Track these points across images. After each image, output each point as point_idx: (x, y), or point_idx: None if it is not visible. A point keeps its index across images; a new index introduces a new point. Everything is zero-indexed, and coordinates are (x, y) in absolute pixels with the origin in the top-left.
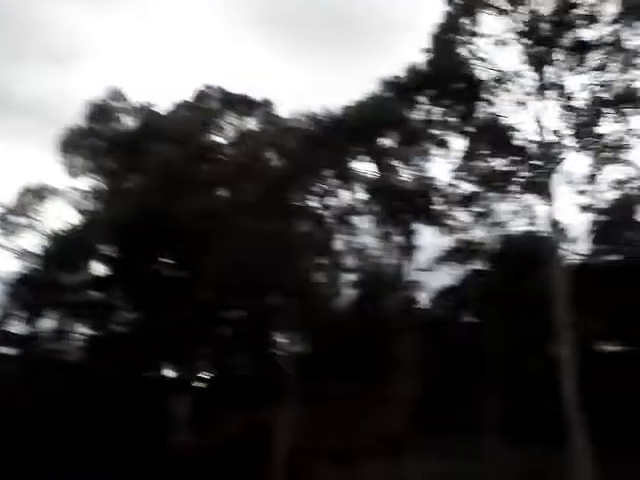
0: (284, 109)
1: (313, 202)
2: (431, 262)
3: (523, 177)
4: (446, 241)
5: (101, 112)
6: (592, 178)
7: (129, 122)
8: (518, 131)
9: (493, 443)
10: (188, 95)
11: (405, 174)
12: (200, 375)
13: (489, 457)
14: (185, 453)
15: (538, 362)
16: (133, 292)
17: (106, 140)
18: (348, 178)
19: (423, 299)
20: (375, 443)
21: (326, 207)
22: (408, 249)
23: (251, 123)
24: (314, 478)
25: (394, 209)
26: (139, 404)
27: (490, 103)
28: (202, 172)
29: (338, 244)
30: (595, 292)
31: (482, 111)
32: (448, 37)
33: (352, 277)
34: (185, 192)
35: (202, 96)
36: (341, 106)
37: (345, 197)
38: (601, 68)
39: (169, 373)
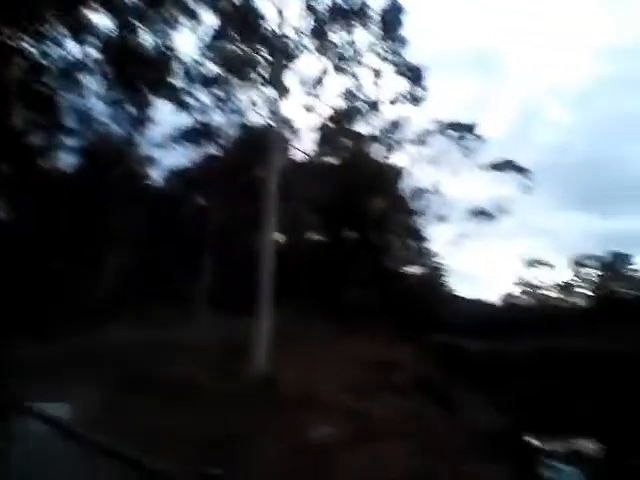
0: None
1: (31, 47)
2: (166, 139)
3: (263, 68)
4: (183, 120)
5: None
6: (321, 82)
7: None
8: (265, 21)
9: (203, 313)
10: None
11: (147, 39)
12: None
13: (198, 325)
14: None
15: (248, 244)
16: None
17: None
18: (78, 28)
19: (154, 175)
20: (81, 312)
21: (47, 55)
22: (141, 121)
23: None
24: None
25: (130, 75)
26: None
27: None
28: None
29: (60, 101)
30: (312, 188)
31: None
32: None
33: (75, 141)
34: None
35: None
36: None
37: (73, 50)
38: None
39: None
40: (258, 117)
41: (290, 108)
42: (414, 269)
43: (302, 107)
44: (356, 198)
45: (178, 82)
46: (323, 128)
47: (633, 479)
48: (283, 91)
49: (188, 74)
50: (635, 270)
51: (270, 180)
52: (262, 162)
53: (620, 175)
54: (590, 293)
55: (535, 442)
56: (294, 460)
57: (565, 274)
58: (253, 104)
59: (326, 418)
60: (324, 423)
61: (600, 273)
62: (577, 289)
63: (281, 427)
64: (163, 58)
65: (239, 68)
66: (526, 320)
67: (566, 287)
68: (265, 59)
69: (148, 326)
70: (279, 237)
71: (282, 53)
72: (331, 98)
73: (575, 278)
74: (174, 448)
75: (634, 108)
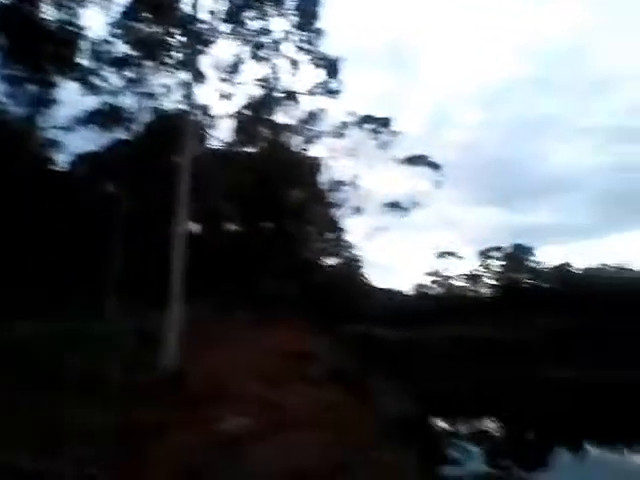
0: None
1: None
2: (72, 122)
3: (177, 51)
4: (91, 102)
5: None
6: (237, 69)
7: None
8: (179, 2)
9: (113, 303)
10: None
11: (51, 13)
12: None
13: (107, 316)
14: None
15: (161, 233)
16: None
17: None
18: None
19: (59, 159)
20: None
21: None
22: (45, 102)
23: None
24: None
25: (30, 51)
26: None
27: None
28: None
29: None
30: (229, 177)
31: None
32: None
33: None
34: None
35: None
36: None
37: None
38: None
39: None
40: (172, 102)
41: (206, 95)
42: (331, 260)
43: (219, 94)
44: (274, 189)
45: (86, 62)
46: (240, 117)
47: (527, 452)
48: (198, 76)
49: (97, 54)
50: (536, 261)
51: (184, 167)
52: (176, 149)
53: (527, 173)
54: (495, 283)
55: (444, 425)
56: (203, 453)
57: (473, 265)
58: (167, 88)
59: (239, 410)
60: (236, 415)
61: (504, 264)
62: (483, 279)
63: (191, 419)
64: (70, 35)
65: (152, 50)
66: (437, 309)
67: (473, 277)
68: (179, 42)
69: (55, 317)
70: (195, 226)
71: (197, 37)
72: (248, 86)
73: (482, 269)
74: (68, 446)
75: (543, 109)
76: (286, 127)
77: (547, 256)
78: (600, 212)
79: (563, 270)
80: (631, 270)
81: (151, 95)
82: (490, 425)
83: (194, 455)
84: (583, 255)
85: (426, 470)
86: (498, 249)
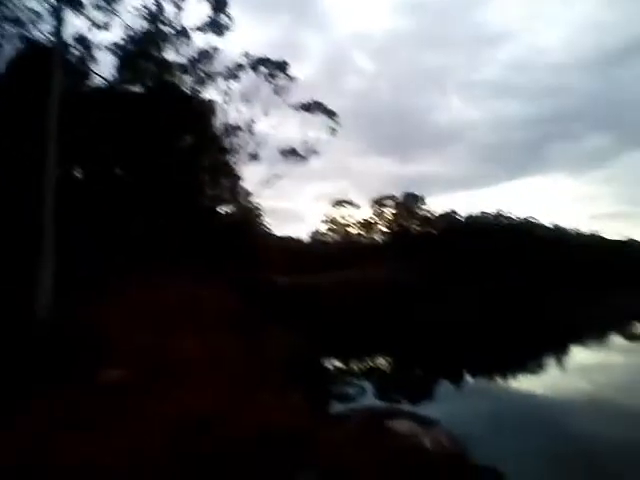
0: None
1: None
2: None
3: None
4: None
5: None
6: None
7: None
8: None
9: None
10: None
11: None
12: None
13: None
14: None
15: (30, 178)
16: None
17: None
18: None
19: None
20: None
21: None
22: None
23: None
24: None
25: None
26: None
27: None
28: None
29: None
30: (112, 118)
31: None
32: None
33: None
34: None
35: None
36: None
37: None
38: None
39: None
40: (42, 31)
41: (83, 25)
42: (227, 208)
43: (96, 24)
44: (163, 131)
45: None
46: (123, 51)
47: (414, 385)
48: (71, 2)
49: None
50: (426, 210)
51: (53, 104)
52: (46, 84)
53: (417, 124)
54: (387, 230)
55: (336, 364)
56: (80, 406)
57: (366, 213)
58: (36, 15)
59: (120, 361)
60: (117, 366)
61: (396, 212)
62: (376, 227)
63: (69, 373)
64: None
65: None
66: (331, 255)
67: (367, 225)
68: None
69: None
70: (76, 171)
71: None
72: (131, 17)
73: (374, 217)
74: None
75: (433, 62)
76: (175, 66)
77: (435, 204)
78: (483, 163)
79: (448, 218)
80: (509, 217)
81: (17, 21)
82: (381, 362)
83: (68, 409)
84: (467, 203)
85: (317, 407)
86: (390, 197)
